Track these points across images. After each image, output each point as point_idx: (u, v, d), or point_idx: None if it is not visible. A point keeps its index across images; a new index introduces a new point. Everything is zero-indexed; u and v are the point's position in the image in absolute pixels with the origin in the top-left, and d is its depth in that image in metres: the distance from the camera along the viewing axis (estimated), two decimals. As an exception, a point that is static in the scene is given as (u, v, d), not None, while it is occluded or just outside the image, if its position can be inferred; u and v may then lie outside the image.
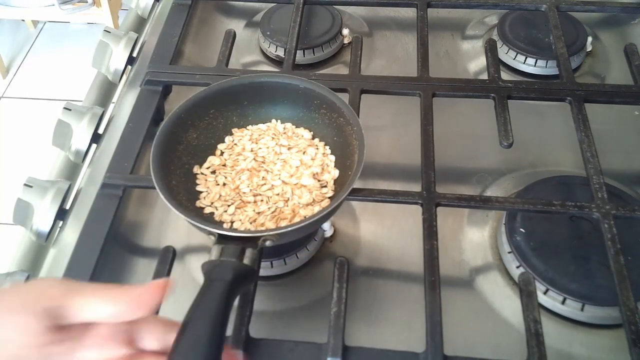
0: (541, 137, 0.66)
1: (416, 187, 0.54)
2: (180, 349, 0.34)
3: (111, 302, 0.34)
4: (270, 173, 0.53)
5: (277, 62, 0.75)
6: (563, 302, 0.50)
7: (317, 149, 0.55)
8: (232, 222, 0.50)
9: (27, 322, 0.32)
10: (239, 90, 0.56)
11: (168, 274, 0.49)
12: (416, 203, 0.53)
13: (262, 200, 0.51)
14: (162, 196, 0.46)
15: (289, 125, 0.57)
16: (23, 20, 2.21)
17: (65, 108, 0.64)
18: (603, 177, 0.54)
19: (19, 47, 2.16)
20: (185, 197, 0.51)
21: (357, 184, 0.48)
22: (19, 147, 1.83)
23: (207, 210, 0.51)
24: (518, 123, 0.60)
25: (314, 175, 0.52)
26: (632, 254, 0.50)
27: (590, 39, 0.74)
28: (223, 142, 0.56)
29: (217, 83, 0.56)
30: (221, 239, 0.43)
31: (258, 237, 0.44)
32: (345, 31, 0.77)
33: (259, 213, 0.50)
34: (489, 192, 0.60)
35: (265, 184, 0.52)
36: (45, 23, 2.25)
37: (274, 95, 0.56)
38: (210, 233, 0.44)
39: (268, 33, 0.75)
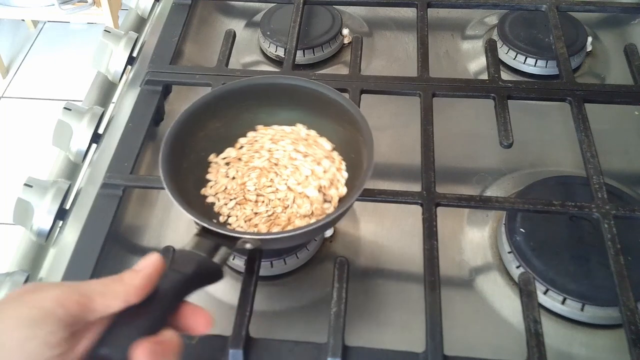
0: (541, 137, 0.66)
1: (416, 187, 0.54)
2: (110, 336, 0.34)
3: (121, 298, 0.34)
4: (279, 176, 0.52)
5: (277, 62, 0.75)
6: (563, 302, 0.50)
7: (333, 162, 0.52)
8: (228, 216, 0.50)
9: (50, 335, 0.31)
10: (277, 90, 0.55)
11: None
12: (416, 203, 0.53)
13: (262, 202, 0.51)
14: (160, 166, 0.46)
15: (312, 132, 0.55)
16: (23, 20, 2.21)
17: (65, 108, 0.64)
18: (603, 177, 0.54)
19: (19, 47, 2.16)
20: (193, 182, 0.51)
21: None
22: (19, 147, 1.83)
23: (210, 199, 0.51)
24: (518, 123, 0.60)
25: (320, 187, 0.51)
26: (632, 254, 0.50)
27: (590, 39, 0.74)
28: (245, 136, 0.55)
29: (257, 77, 0.54)
30: (203, 230, 0.43)
31: (237, 238, 0.43)
32: (345, 31, 0.77)
33: (256, 213, 0.50)
34: (489, 192, 0.60)
35: (271, 186, 0.51)
36: (45, 23, 2.25)
37: (304, 100, 0.54)
38: (193, 220, 0.43)
39: (268, 33, 0.75)
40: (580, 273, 0.51)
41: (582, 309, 0.50)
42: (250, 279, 0.47)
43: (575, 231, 0.54)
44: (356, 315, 0.51)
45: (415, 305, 0.50)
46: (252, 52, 0.78)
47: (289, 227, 0.48)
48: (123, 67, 0.72)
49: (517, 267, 0.52)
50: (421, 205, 0.52)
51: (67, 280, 0.50)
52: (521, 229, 0.54)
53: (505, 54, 0.73)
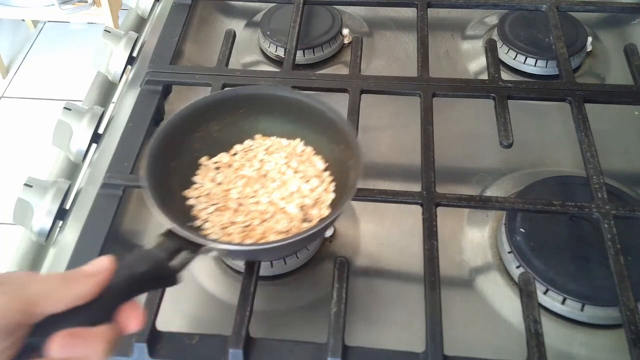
0: (541, 137, 0.66)
1: (416, 187, 0.54)
2: (40, 327, 0.33)
3: (66, 303, 0.33)
4: (264, 188, 0.51)
5: (277, 62, 0.75)
6: (563, 302, 0.50)
7: (322, 182, 0.51)
8: (205, 221, 0.49)
9: None
10: (279, 101, 0.54)
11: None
12: (416, 203, 0.53)
13: (242, 212, 0.50)
14: (145, 160, 0.46)
15: (309, 149, 0.54)
16: (23, 20, 2.21)
17: (65, 108, 0.64)
18: (603, 177, 0.54)
19: (19, 47, 2.16)
20: (179, 181, 0.50)
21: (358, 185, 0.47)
22: (19, 147, 1.83)
23: (191, 202, 0.50)
24: (518, 123, 0.60)
25: (302, 206, 0.50)
26: (632, 254, 0.50)
27: (590, 39, 0.74)
28: (242, 143, 0.55)
29: (261, 87, 0.54)
30: (168, 231, 0.42)
31: (200, 245, 0.42)
32: (345, 31, 0.77)
33: (233, 222, 0.48)
34: (489, 192, 0.60)
35: (254, 196, 0.50)
36: (45, 23, 2.25)
37: (305, 115, 0.53)
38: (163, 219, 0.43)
39: (268, 33, 0.75)
40: (580, 273, 0.51)
41: (582, 309, 0.50)
42: (250, 279, 0.47)
43: (575, 231, 0.54)
44: (356, 315, 0.51)
45: (415, 305, 0.50)
46: (252, 52, 0.78)
47: (262, 241, 0.47)
48: (123, 67, 0.72)
49: (517, 267, 0.52)
50: (421, 205, 0.52)
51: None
52: (521, 229, 0.54)
53: (505, 54, 0.73)
